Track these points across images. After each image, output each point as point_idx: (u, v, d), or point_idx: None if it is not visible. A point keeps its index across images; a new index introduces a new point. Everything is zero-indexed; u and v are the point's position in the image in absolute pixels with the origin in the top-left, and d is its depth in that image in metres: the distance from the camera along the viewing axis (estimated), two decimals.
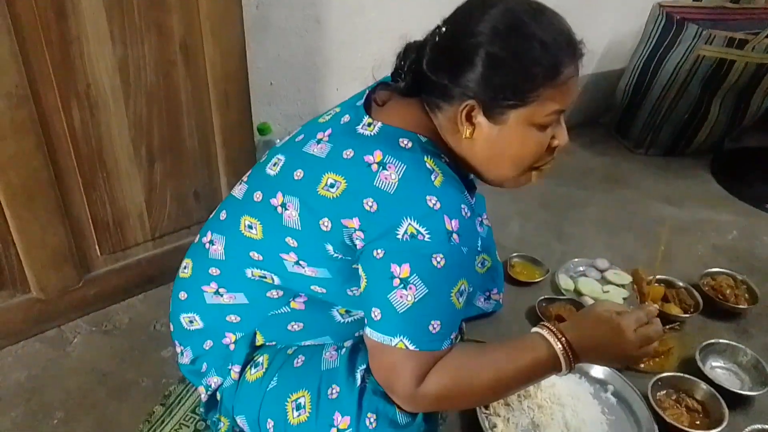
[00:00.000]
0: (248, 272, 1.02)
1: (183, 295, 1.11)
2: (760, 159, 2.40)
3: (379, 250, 0.85)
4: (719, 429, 1.25)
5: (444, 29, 0.87)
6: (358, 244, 0.88)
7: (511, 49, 0.83)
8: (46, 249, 1.36)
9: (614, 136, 2.54)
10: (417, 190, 0.84)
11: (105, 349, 1.43)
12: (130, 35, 1.29)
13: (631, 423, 1.32)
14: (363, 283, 0.89)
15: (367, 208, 0.85)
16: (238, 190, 1.07)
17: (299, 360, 1.04)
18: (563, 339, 0.90)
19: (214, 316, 1.08)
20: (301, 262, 0.95)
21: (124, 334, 1.47)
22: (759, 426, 1.29)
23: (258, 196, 0.99)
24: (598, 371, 1.40)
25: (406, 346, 0.85)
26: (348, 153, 0.89)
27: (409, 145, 0.88)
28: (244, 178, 1.08)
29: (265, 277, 1.01)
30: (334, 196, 0.88)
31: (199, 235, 1.13)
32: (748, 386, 1.42)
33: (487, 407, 1.31)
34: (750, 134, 2.55)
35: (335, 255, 0.91)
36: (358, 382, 0.97)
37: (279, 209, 0.95)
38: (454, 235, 0.83)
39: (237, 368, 1.05)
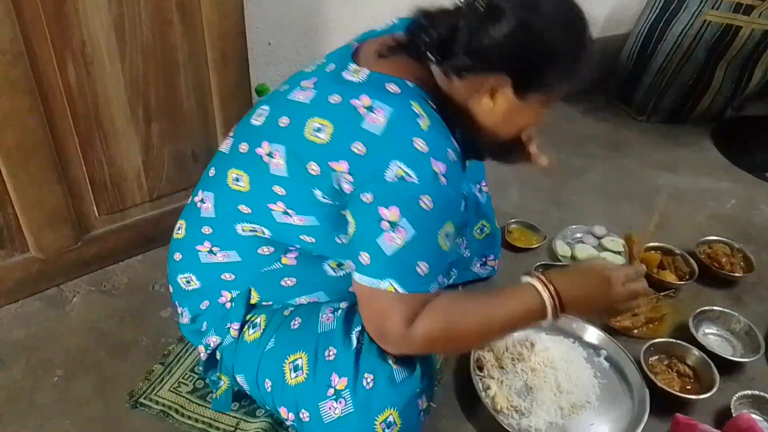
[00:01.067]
0: (238, 228, 1.02)
1: (178, 256, 1.12)
2: (762, 128, 2.38)
3: (368, 194, 0.85)
4: (709, 394, 1.27)
5: (485, 3, 0.87)
6: (347, 188, 0.88)
7: (560, 42, 0.86)
8: (44, 209, 1.36)
9: (616, 102, 2.51)
10: (404, 133, 0.85)
11: (104, 308, 1.44)
12: None
13: (623, 387, 1.34)
14: (351, 229, 0.89)
15: (356, 151, 0.85)
16: (225, 145, 1.07)
17: (296, 322, 1.05)
18: (551, 287, 0.92)
19: (209, 275, 1.08)
20: (288, 210, 0.96)
21: (123, 294, 1.48)
22: (749, 392, 1.31)
23: (243, 147, 1.00)
24: (591, 336, 1.42)
25: (395, 288, 0.86)
26: (334, 98, 0.90)
27: (397, 90, 0.89)
28: (231, 133, 1.09)
29: (255, 231, 1.02)
30: (324, 141, 0.88)
31: (192, 196, 1.13)
32: (740, 353, 1.44)
33: (480, 369, 1.33)
34: (752, 103, 2.53)
35: (323, 200, 0.92)
36: (354, 343, 0.98)
37: (265, 158, 0.95)
38: (442, 178, 0.85)
39: (236, 326, 1.06)
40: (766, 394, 1.30)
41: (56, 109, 1.29)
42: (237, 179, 1.00)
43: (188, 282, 1.11)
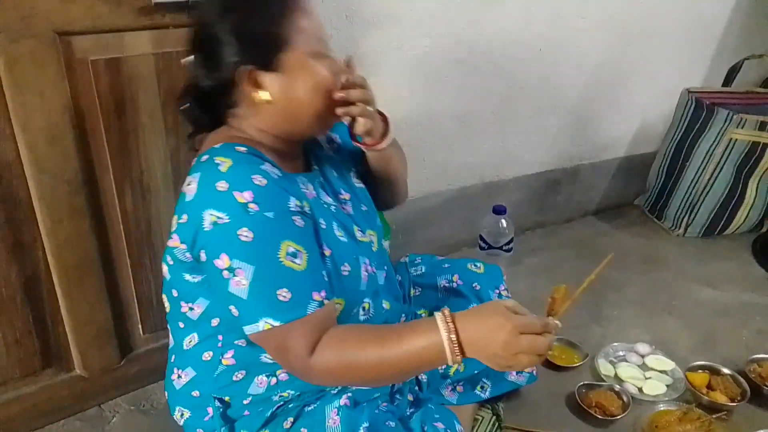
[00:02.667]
0: (185, 343, 1.06)
1: (166, 395, 1.14)
2: None
3: (201, 252, 0.90)
4: None
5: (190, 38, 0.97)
6: (188, 256, 0.94)
7: (244, 11, 0.93)
8: (92, 328, 1.41)
9: (649, 217, 2.53)
10: (207, 184, 0.88)
11: (142, 428, 1.44)
12: (183, 126, 1.38)
13: None
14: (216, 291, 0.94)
15: (182, 221, 0.92)
16: None
17: None
18: (452, 326, 0.85)
19: (187, 400, 1.08)
20: (185, 306, 1.01)
21: (162, 414, 1.48)
22: None
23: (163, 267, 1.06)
24: None
25: (271, 324, 0.86)
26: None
27: (205, 158, 0.93)
28: None
29: (192, 339, 1.05)
30: (173, 235, 0.95)
31: None
32: None
33: None
34: None
35: (194, 278, 0.97)
36: None
37: (164, 271, 1.04)
38: (251, 205, 0.86)
39: None
40: None
41: (112, 232, 1.38)
42: (164, 303, 1.09)
43: (182, 416, 1.10)
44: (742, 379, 1.59)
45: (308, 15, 0.96)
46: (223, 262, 0.86)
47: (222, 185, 0.87)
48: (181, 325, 1.05)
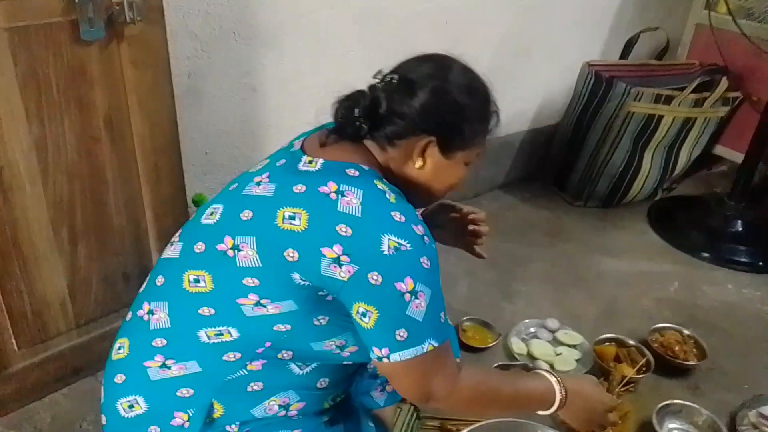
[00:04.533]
0: (201, 334, 0.96)
1: (120, 378, 1.01)
2: (691, 207, 2.48)
3: (373, 274, 0.88)
4: None
5: (397, 77, 1.00)
6: (345, 270, 0.89)
7: (470, 102, 1.01)
8: None
9: (553, 189, 2.58)
10: (381, 209, 0.92)
11: None
12: (48, 112, 1.20)
13: None
14: (373, 317, 0.90)
15: (343, 233, 0.88)
16: (172, 251, 1.03)
17: None
18: (564, 383, 1.09)
19: (160, 394, 0.98)
20: (263, 300, 0.93)
21: None
22: None
23: (200, 247, 0.98)
24: None
25: (433, 345, 0.93)
26: (299, 188, 0.93)
27: (356, 173, 0.95)
28: (175, 239, 1.06)
29: (221, 335, 0.95)
30: (301, 228, 0.90)
31: (130, 312, 1.05)
32: None
33: None
34: (681, 183, 2.65)
35: (302, 282, 0.92)
36: None
37: (230, 253, 0.94)
38: (425, 238, 0.93)
39: None
40: None
41: None
42: (196, 281, 0.96)
43: (131, 407, 0.99)
44: (646, 350, 1.64)
45: (491, 133, 1.06)
46: (406, 285, 0.89)
47: (398, 216, 0.91)
48: (209, 312, 0.96)
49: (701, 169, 2.70)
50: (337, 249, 0.88)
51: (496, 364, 1.58)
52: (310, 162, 0.97)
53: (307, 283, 0.92)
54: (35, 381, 1.39)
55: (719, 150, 2.64)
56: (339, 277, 0.89)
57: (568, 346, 1.72)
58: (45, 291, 1.34)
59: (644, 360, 1.60)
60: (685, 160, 2.47)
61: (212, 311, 0.95)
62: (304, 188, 0.93)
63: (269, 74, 1.71)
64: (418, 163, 1.01)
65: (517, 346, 1.69)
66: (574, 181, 2.46)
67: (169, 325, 0.98)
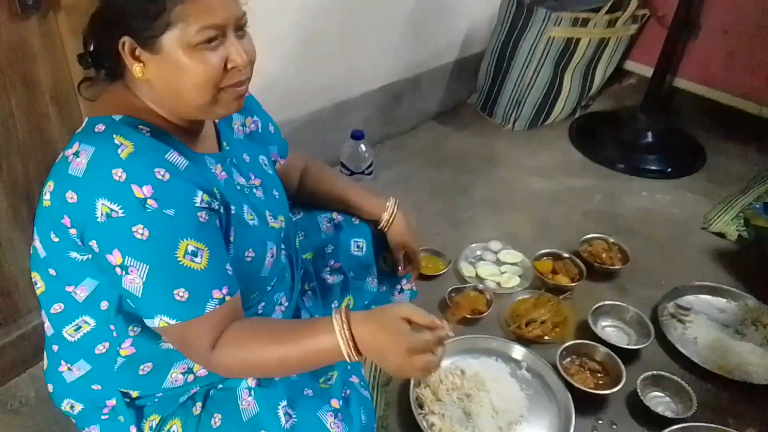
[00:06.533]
0: (66, 335, 0.95)
1: (50, 387, 1.04)
2: (606, 122, 2.66)
3: (92, 242, 0.83)
4: (620, 386, 1.44)
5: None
6: (80, 240, 0.85)
7: None
8: None
9: (482, 116, 2.69)
10: (103, 168, 0.81)
11: (15, 430, 1.32)
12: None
13: (548, 394, 1.47)
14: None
15: (70, 200, 0.82)
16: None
17: (216, 420, 0.99)
18: (347, 333, 0.87)
19: (82, 393, 1.01)
20: (68, 288, 0.91)
21: (35, 410, 1.37)
22: (650, 373, 1.49)
23: (36, 241, 0.93)
24: (511, 350, 1.55)
25: (167, 322, 0.84)
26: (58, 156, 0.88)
27: (102, 128, 0.85)
28: None
29: (80, 328, 0.94)
30: (48, 202, 0.85)
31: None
32: (635, 340, 1.63)
33: (421, 407, 1.40)
34: (597, 100, 2.83)
35: (83, 257, 0.87)
36: (283, 421, 0.96)
37: (37, 244, 0.91)
38: (149, 201, 0.80)
39: (134, 430, 0.99)
40: (663, 373, 1.50)
41: None
42: (35, 283, 0.95)
43: (72, 407, 1.02)
44: (578, 260, 1.84)
45: (205, 3, 0.81)
46: (115, 258, 0.81)
47: (119, 174, 0.79)
48: (59, 308, 0.93)
49: (612, 84, 2.89)
50: (67, 221, 0.83)
51: (450, 288, 1.73)
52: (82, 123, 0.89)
53: (87, 257, 0.87)
54: (13, 358, 1.42)
55: (629, 65, 2.84)
56: (80, 244, 0.85)
57: (511, 264, 1.89)
58: (11, 271, 1.34)
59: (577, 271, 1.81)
60: (600, 79, 2.64)
61: (59, 307, 0.94)
62: (60, 155, 0.86)
63: None
64: (137, 71, 0.84)
65: (467, 269, 1.85)
66: (502, 106, 2.58)
67: (53, 331, 0.98)
